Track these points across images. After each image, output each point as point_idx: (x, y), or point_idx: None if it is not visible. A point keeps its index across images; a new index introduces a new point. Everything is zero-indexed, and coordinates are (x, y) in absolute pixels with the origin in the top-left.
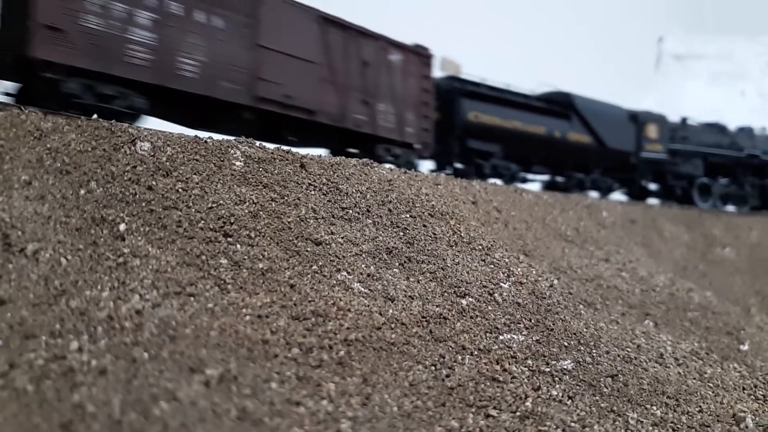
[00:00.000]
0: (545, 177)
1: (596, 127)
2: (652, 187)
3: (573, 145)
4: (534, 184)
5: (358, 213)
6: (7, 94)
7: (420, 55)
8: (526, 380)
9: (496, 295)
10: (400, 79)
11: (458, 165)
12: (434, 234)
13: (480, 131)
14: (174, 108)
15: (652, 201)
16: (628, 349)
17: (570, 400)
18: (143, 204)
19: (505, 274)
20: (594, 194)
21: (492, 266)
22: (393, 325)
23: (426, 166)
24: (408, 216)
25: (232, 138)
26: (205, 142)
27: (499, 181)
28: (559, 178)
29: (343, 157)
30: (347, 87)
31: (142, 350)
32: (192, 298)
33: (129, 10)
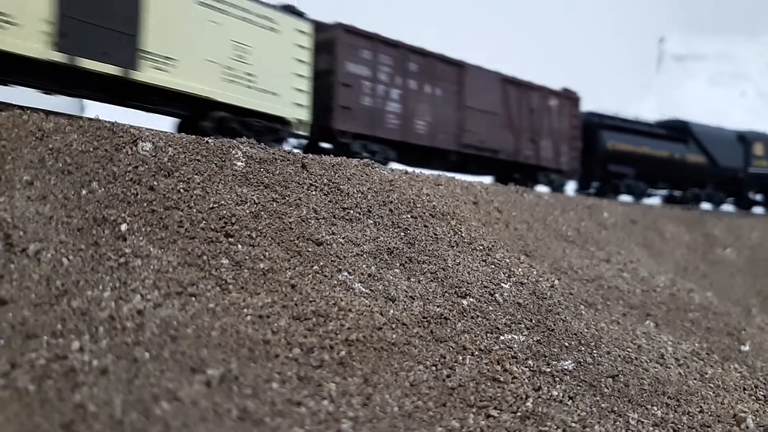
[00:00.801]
0: (666, 192)
1: (709, 149)
2: (758, 198)
3: (690, 165)
4: (656, 198)
5: (359, 213)
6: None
7: (570, 98)
8: (526, 380)
9: (497, 295)
10: (556, 119)
11: (597, 184)
12: (435, 234)
13: (617, 156)
14: (409, 155)
15: (652, 202)
16: (628, 349)
17: (571, 401)
18: (145, 204)
19: (506, 275)
20: (706, 206)
21: (493, 266)
22: (394, 326)
23: (571, 186)
24: (409, 216)
25: (233, 138)
26: (207, 142)
27: (628, 197)
28: (677, 193)
29: (344, 158)
30: (520, 129)
31: (143, 350)
32: (193, 298)
33: (386, 89)
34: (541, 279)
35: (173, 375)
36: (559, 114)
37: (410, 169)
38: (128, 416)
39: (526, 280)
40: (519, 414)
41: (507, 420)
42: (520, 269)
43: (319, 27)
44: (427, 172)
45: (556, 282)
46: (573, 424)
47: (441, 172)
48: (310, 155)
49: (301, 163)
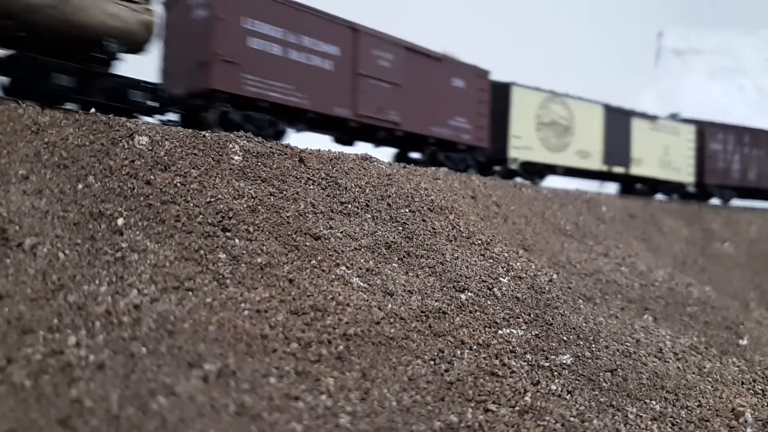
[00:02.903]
0: None
1: None
2: None
3: None
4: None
5: (357, 207)
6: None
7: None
8: (525, 375)
9: (495, 289)
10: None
11: None
12: (433, 229)
13: None
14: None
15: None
16: (627, 343)
17: (569, 395)
18: (141, 198)
19: (505, 269)
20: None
21: (491, 261)
22: (392, 320)
23: None
24: (407, 211)
25: (230, 132)
26: (204, 136)
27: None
28: None
29: (342, 152)
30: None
31: (140, 345)
32: (190, 293)
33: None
34: (539, 273)
35: (170, 370)
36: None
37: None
38: (125, 411)
39: (524, 275)
40: (517, 408)
41: (505, 414)
42: (518, 263)
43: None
44: (423, 167)
45: (555, 276)
46: (571, 419)
47: (439, 167)
48: (308, 149)
49: (299, 157)
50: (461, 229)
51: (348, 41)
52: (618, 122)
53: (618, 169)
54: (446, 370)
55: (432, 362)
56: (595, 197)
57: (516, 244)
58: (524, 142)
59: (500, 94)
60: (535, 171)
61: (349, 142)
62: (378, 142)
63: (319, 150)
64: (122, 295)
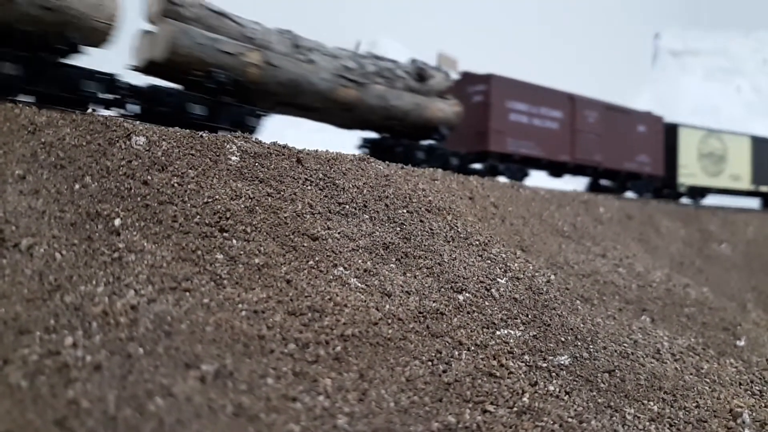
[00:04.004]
0: None
1: None
2: None
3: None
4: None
5: (355, 208)
6: None
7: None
8: (523, 376)
9: (493, 290)
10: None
11: None
12: (431, 229)
13: None
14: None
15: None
16: (625, 344)
17: (567, 396)
18: (138, 199)
19: (502, 270)
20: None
21: (489, 262)
22: (390, 321)
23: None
24: (405, 211)
25: (227, 132)
26: (201, 136)
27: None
28: None
29: (340, 152)
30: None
31: (137, 346)
32: (188, 294)
33: None
34: (537, 274)
35: (167, 371)
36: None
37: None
38: (122, 412)
39: (522, 275)
40: (515, 409)
41: (503, 415)
42: (516, 264)
43: None
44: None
45: (552, 277)
46: (569, 419)
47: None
48: (306, 149)
49: (296, 158)
50: (459, 229)
51: (567, 107)
52: (763, 149)
53: (764, 188)
54: (444, 371)
55: (430, 363)
56: (592, 198)
57: (514, 244)
58: (689, 170)
59: (670, 133)
60: (697, 193)
61: (560, 176)
62: (584, 176)
63: (316, 150)
64: (119, 296)
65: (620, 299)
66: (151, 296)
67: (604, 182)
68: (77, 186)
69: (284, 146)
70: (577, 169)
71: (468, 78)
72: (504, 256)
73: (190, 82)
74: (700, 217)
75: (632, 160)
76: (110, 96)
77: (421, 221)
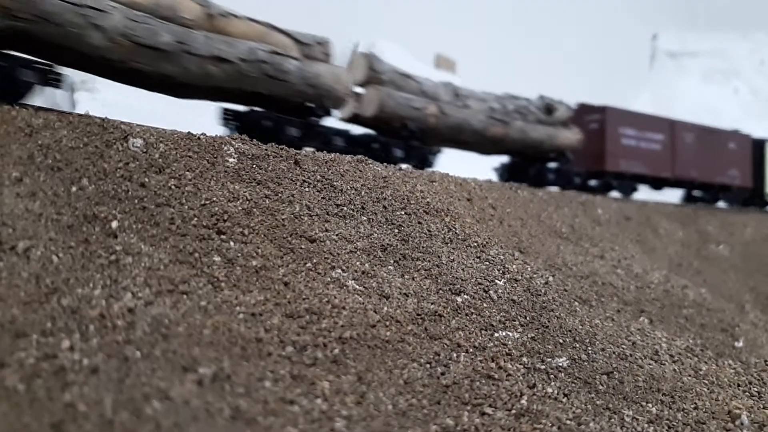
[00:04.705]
0: None
1: None
2: None
3: None
4: None
5: (353, 210)
6: None
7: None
8: (521, 378)
9: (491, 292)
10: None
11: None
12: (429, 231)
13: None
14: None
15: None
16: (623, 346)
17: (565, 398)
18: (136, 201)
19: (501, 271)
20: None
21: (487, 263)
22: (388, 323)
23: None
24: (403, 213)
25: (224, 134)
26: (198, 138)
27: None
28: None
29: (338, 154)
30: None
31: (134, 349)
32: (185, 296)
33: None
34: (535, 276)
35: (164, 374)
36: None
37: (404, 166)
38: (119, 416)
39: (520, 277)
40: (514, 411)
41: (502, 418)
42: (514, 266)
43: None
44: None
45: (551, 278)
46: (568, 422)
47: (435, 169)
48: (303, 151)
49: (294, 160)
50: (457, 231)
51: (668, 130)
52: None
53: None
54: (442, 374)
55: (428, 365)
56: (590, 199)
57: (512, 246)
58: None
59: (757, 148)
60: None
61: (660, 189)
62: (681, 189)
63: (314, 152)
64: (116, 299)
65: (618, 301)
66: (148, 299)
67: (697, 194)
68: (74, 188)
69: (282, 148)
70: (676, 183)
71: (585, 108)
72: (502, 257)
73: (388, 130)
74: (698, 218)
75: (724, 174)
76: (344, 145)
77: (419, 223)
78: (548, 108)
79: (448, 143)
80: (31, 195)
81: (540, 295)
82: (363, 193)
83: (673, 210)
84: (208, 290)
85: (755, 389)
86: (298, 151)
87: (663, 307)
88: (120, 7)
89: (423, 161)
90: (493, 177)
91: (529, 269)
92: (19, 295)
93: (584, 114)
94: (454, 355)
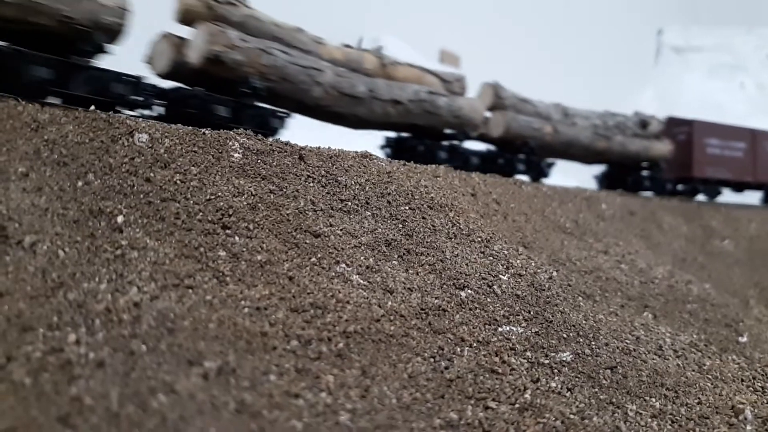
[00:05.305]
0: None
1: None
2: None
3: None
4: None
5: (357, 205)
6: None
7: None
8: (525, 372)
9: (495, 287)
10: None
11: None
12: (433, 226)
13: None
14: None
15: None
16: (627, 341)
17: (569, 392)
18: (141, 196)
19: (504, 266)
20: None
21: (491, 258)
22: (392, 317)
23: None
24: (407, 208)
25: (230, 130)
26: (204, 133)
27: None
28: None
29: (342, 149)
30: None
31: (140, 343)
32: (190, 291)
33: None
34: (539, 270)
35: (170, 368)
36: None
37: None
38: (125, 409)
39: (524, 272)
40: (517, 406)
41: (505, 412)
42: (518, 261)
43: None
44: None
45: (555, 273)
46: (571, 416)
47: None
48: (308, 146)
49: (299, 155)
50: (461, 226)
51: (749, 139)
52: None
53: None
54: (446, 368)
55: (432, 360)
56: (594, 194)
57: (516, 241)
58: None
59: None
60: None
61: (741, 192)
62: (761, 191)
63: (319, 147)
64: (122, 293)
65: (622, 296)
66: (154, 293)
67: None
68: (80, 183)
69: (287, 143)
70: (757, 186)
71: (674, 122)
72: (506, 252)
73: (511, 147)
74: (703, 213)
75: None
76: (479, 162)
77: (423, 218)
78: (643, 123)
79: (560, 156)
80: (37, 190)
81: (544, 290)
82: (367, 188)
83: (677, 205)
84: (214, 284)
85: (759, 384)
86: (302, 147)
87: (667, 302)
88: (329, 65)
89: (540, 173)
90: (593, 184)
91: (533, 264)
92: (25, 289)
93: (673, 127)
94: (458, 349)
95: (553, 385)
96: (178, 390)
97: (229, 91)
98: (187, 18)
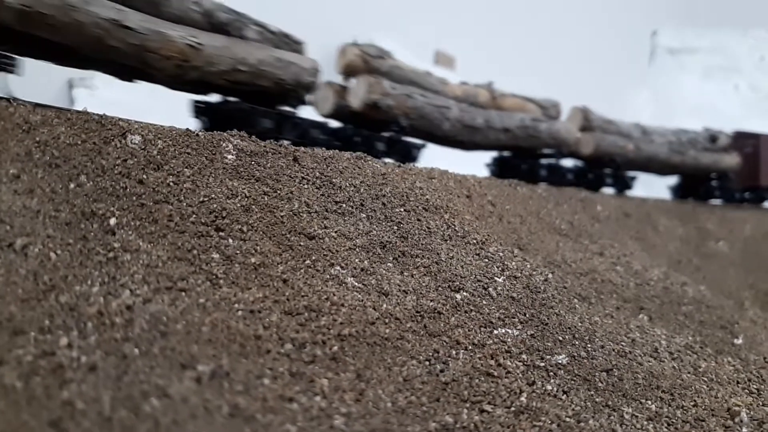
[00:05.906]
0: None
1: None
2: None
3: None
4: None
5: (352, 207)
6: None
7: None
8: (520, 375)
9: (490, 289)
10: None
11: None
12: (428, 228)
13: None
14: None
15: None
16: (622, 343)
17: (565, 395)
18: (134, 198)
19: (500, 269)
20: None
21: (486, 260)
22: (387, 320)
23: None
24: (402, 210)
25: (223, 131)
26: (197, 135)
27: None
28: None
29: (337, 151)
30: None
31: (132, 346)
32: (183, 293)
33: None
34: (534, 273)
35: (163, 371)
36: None
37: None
38: (117, 413)
39: (519, 274)
40: (513, 409)
41: (501, 415)
42: (513, 263)
43: None
44: (419, 165)
45: (550, 276)
46: (567, 419)
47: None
48: (302, 147)
49: (293, 156)
50: (456, 228)
51: None
52: None
53: None
54: (441, 371)
55: (427, 363)
56: (590, 196)
57: (511, 243)
58: None
59: None
60: None
61: None
62: None
63: (313, 149)
64: (114, 296)
65: (618, 298)
66: (147, 296)
67: None
68: (72, 185)
69: (281, 144)
70: None
71: (741, 135)
72: (501, 254)
73: (598, 163)
74: (698, 215)
75: None
76: (572, 178)
77: (418, 220)
78: (712, 138)
79: (641, 170)
80: (28, 192)
81: (539, 292)
82: (362, 190)
83: (673, 207)
84: (207, 287)
85: (754, 386)
86: (296, 148)
87: (662, 304)
88: (454, 102)
89: (625, 185)
90: (667, 194)
91: (528, 266)
92: (16, 292)
93: (740, 140)
94: (454, 352)
95: (549, 388)
96: (171, 394)
97: (382, 129)
98: (347, 71)
